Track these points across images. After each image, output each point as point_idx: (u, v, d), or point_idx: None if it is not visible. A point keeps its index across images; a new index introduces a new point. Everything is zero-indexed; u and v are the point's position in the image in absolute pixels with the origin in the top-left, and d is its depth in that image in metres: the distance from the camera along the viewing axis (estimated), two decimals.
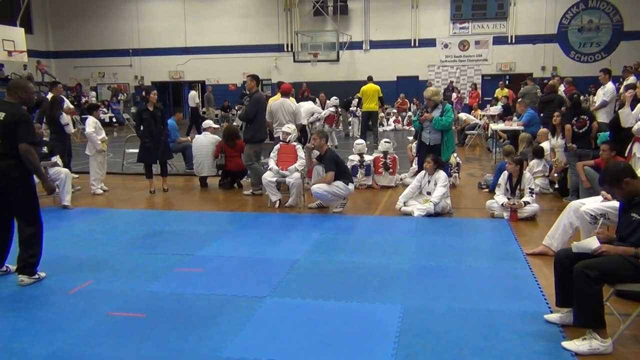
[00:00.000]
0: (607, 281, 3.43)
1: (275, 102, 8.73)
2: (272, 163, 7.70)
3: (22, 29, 18.14)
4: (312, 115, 12.08)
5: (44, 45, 25.57)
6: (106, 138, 9.16)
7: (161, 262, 5.23)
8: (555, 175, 8.04)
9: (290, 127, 7.94)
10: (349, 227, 6.63)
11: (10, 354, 3.44)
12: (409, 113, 20.10)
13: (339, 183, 7.11)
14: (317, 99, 16.46)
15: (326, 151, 7.36)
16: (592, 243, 3.52)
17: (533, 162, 8.36)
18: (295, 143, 7.90)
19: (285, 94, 8.73)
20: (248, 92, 9.07)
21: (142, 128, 8.54)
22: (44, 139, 8.58)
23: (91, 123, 8.74)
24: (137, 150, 8.90)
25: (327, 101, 15.71)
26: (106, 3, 25.16)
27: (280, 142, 7.87)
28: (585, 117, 7.59)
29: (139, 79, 25.66)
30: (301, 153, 7.72)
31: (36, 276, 4.73)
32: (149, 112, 8.48)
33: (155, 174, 8.89)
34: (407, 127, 18.66)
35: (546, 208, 7.24)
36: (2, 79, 21.90)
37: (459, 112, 17.59)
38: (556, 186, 8.14)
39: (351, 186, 7.29)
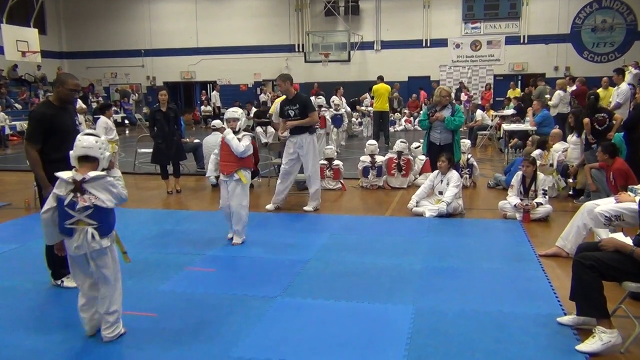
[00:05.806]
0: (602, 272, 3.38)
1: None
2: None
3: (36, 30, 18.33)
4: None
5: (57, 46, 25.79)
6: (117, 138, 9.18)
7: (172, 261, 5.24)
8: (571, 180, 7.83)
9: (237, 112, 5.96)
10: (360, 228, 6.60)
11: (23, 353, 3.47)
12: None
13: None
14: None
15: (296, 94, 7.23)
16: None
17: (536, 152, 8.35)
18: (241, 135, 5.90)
19: None
20: None
21: (155, 129, 8.57)
22: None
23: (101, 124, 8.72)
24: (149, 150, 8.92)
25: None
26: (119, 4, 25.33)
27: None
28: (604, 115, 7.55)
29: (150, 79, 25.81)
30: (246, 141, 5.88)
31: (58, 282, 4.61)
32: (162, 113, 8.49)
33: (169, 174, 8.90)
34: (419, 127, 18.51)
35: (559, 209, 7.17)
36: (16, 79, 22.17)
37: (469, 111, 17.53)
38: (570, 192, 7.89)
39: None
